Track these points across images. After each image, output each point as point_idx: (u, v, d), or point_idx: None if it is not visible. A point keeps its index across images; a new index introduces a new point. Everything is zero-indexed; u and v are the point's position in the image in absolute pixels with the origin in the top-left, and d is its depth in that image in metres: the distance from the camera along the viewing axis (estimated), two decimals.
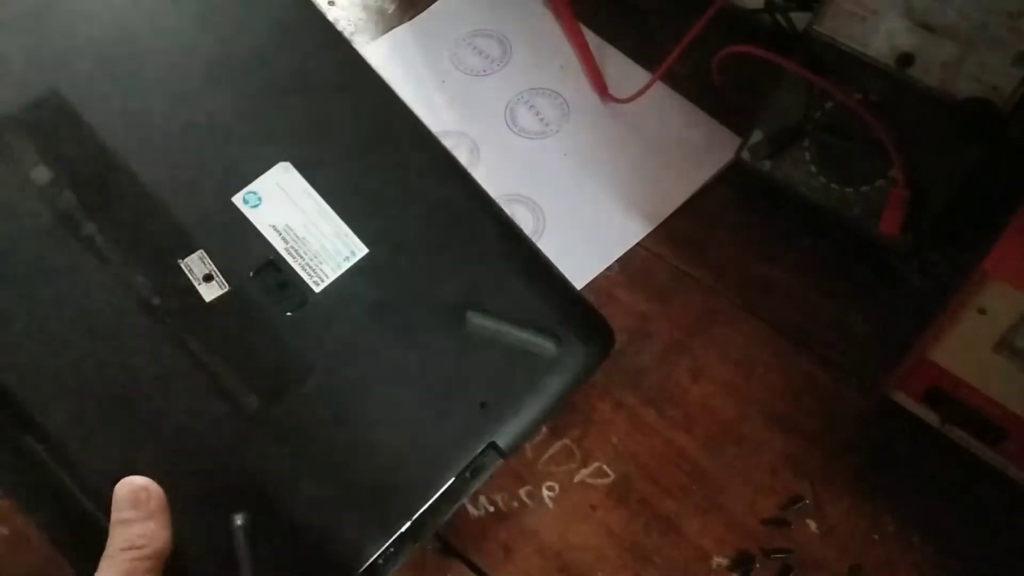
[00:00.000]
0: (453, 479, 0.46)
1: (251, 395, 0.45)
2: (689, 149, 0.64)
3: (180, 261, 0.44)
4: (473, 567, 0.50)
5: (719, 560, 0.49)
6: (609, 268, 0.59)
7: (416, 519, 0.45)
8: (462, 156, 0.65)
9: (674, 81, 0.66)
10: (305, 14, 0.51)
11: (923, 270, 0.55)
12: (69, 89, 0.46)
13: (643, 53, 0.68)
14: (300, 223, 0.47)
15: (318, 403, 0.45)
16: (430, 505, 0.46)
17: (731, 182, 0.62)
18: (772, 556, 0.49)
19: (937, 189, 0.52)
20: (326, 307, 0.46)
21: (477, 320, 0.48)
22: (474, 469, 0.47)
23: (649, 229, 0.61)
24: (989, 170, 0.52)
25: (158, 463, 0.42)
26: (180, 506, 0.42)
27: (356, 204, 0.48)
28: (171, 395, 0.43)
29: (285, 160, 0.47)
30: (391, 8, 0.74)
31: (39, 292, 0.43)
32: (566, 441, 0.53)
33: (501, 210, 0.52)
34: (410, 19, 0.73)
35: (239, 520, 0.43)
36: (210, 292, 0.44)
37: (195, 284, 0.44)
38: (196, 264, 0.44)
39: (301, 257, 0.46)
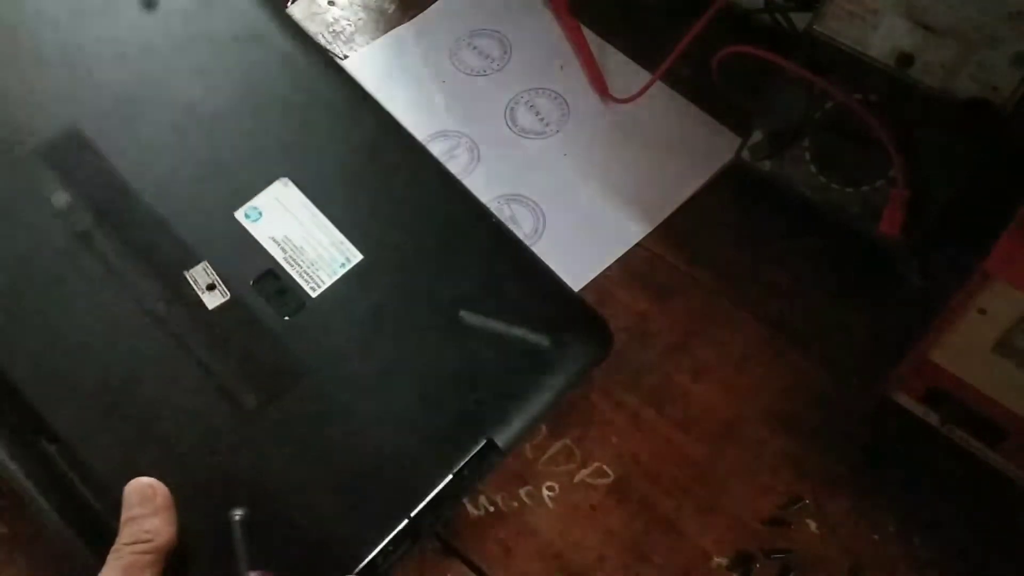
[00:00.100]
0: (450, 477, 0.47)
1: (250, 395, 0.46)
2: (689, 149, 0.64)
3: (185, 272, 0.48)
4: (473, 567, 0.50)
5: (719, 560, 0.49)
6: (609, 268, 0.59)
7: (414, 517, 0.46)
8: (462, 156, 0.65)
9: (674, 81, 0.66)
10: (300, 43, 0.55)
11: (923, 270, 0.55)
12: (88, 125, 0.51)
13: (643, 53, 0.68)
14: (298, 233, 0.50)
15: (315, 403, 0.47)
16: (428, 503, 0.46)
17: (731, 182, 0.62)
18: (772, 556, 0.49)
19: (937, 189, 0.52)
20: (322, 311, 0.48)
21: (470, 319, 0.49)
22: (472, 467, 0.47)
23: (649, 229, 0.61)
24: (989, 170, 0.52)
25: (161, 461, 0.44)
26: (182, 502, 0.43)
27: (351, 214, 0.51)
28: (174, 396, 0.46)
29: (284, 176, 0.51)
30: (391, 8, 0.74)
31: (55, 303, 0.47)
32: (566, 441, 0.53)
33: (492, 214, 0.54)
34: (410, 19, 0.73)
35: (237, 515, 0.44)
36: (212, 300, 0.47)
37: (199, 293, 0.47)
38: (200, 275, 0.48)
39: (299, 265, 0.49)
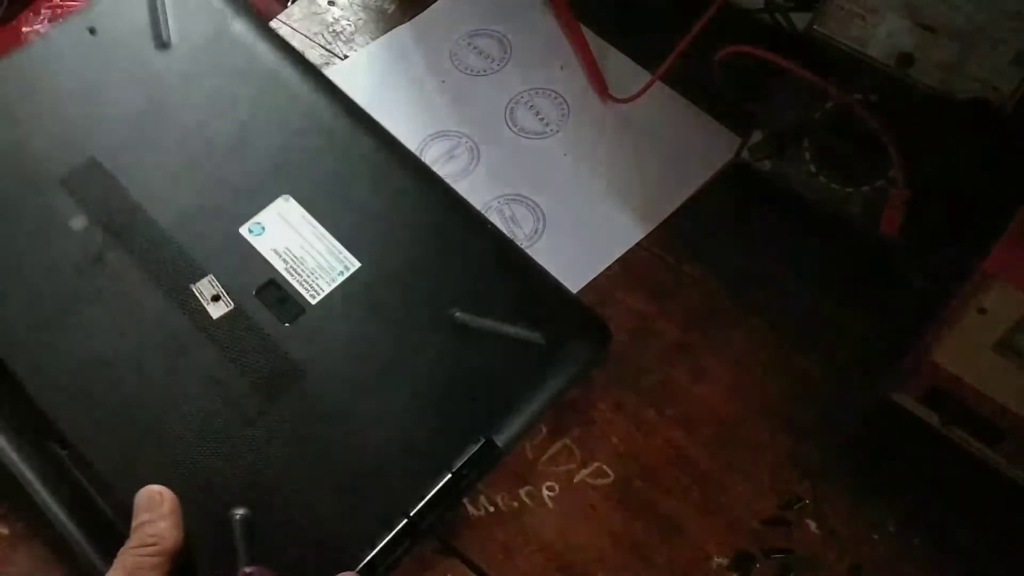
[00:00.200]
0: (449, 477, 0.47)
1: (251, 398, 0.49)
2: (689, 149, 0.64)
3: (191, 286, 0.51)
4: (473, 567, 0.50)
5: (719, 560, 0.49)
6: (609, 268, 0.59)
7: (413, 517, 0.46)
8: (462, 156, 0.65)
9: (674, 81, 0.66)
10: (301, 71, 0.59)
11: (923, 270, 0.55)
12: (105, 155, 0.55)
13: (643, 53, 0.68)
14: (298, 245, 0.53)
15: (313, 404, 0.49)
16: (427, 503, 0.46)
17: (731, 182, 0.62)
18: (772, 556, 0.49)
19: (937, 189, 0.52)
20: (321, 317, 0.51)
21: (466, 320, 0.51)
22: (471, 466, 0.48)
23: (649, 229, 0.61)
24: (989, 170, 0.52)
25: (166, 463, 0.47)
26: (186, 503, 0.45)
27: (349, 224, 0.54)
28: (179, 402, 0.48)
29: (286, 193, 0.54)
30: (391, 8, 0.74)
31: (70, 318, 0.50)
32: (566, 441, 0.53)
33: (488, 220, 0.57)
34: (410, 19, 0.73)
35: (238, 515, 0.45)
36: (217, 311, 0.50)
37: (204, 304, 0.51)
38: (205, 287, 0.51)
39: (299, 274, 0.52)
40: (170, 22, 0.59)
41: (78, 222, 0.53)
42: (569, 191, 0.63)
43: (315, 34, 0.73)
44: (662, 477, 0.52)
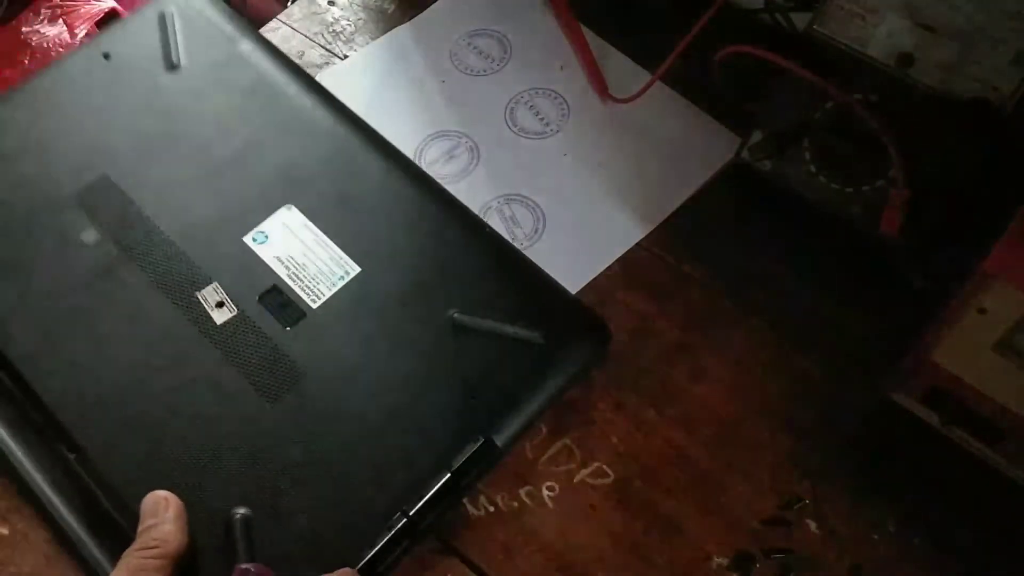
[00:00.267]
0: (449, 476, 0.47)
1: (253, 399, 0.50)
2: (689, 149, 0.64)
3: (197, 293, 0.53)
4: (473, 567, 0.50)
5: (719, 560, 0.49)
6: (609, 268, 0.59)
7: (413, 516, 0.47)
8: (462, 156, 0.65)
9: (674, 81, 0.66)
10: (304, 87, 0.61)
11: (923, 270, 0.55)
12: (116, 171, 0.58)
13: (643, 53, 0.68)
14: (300, 252, 0.55)
15: (313, 405, 0.50)
16: (427, 502, 0.47)
17: (731, 182, 0.62)
18: (772, 556, 0.49)
19: (937, 189, 0.52)
20: (322, 320, 0.53)
21: (465, 321, 0.52)
22: (470, 466, 0.48)
23: (649, 229, 0.61)
24: (989, 170, 0.52)
25: (169, 464, 0.48)
26: (186, 501, 0.46)
27: (349, 231, 0.56)
28: (183, 405, 0.50)
29: (289, 203, 0.56)
30: (391, 8, 0.74)
31: (82, 326, 0.52)
32: (566, 441, 0.53)
33: (485, 223, 0.58)
34: (410, 19, 0.73)
35: (238, 513, 0.46)
36: (221, 316, 0.52)
37: (208, 311, 0.52)
38: (210, 294, 0.53)
39: (301, 280, 0.54)
40: (180, 45, 0.62)
41: (90, 235, 0.55)
42: (569, 191, 0.63)
43: (315, 34, 0.73)
44: (662, 477, 0.52)
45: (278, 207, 0.56)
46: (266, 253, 0.55)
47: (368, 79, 0.70)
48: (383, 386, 0.50)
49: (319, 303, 0.53)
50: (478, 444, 0.48)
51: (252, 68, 0.62)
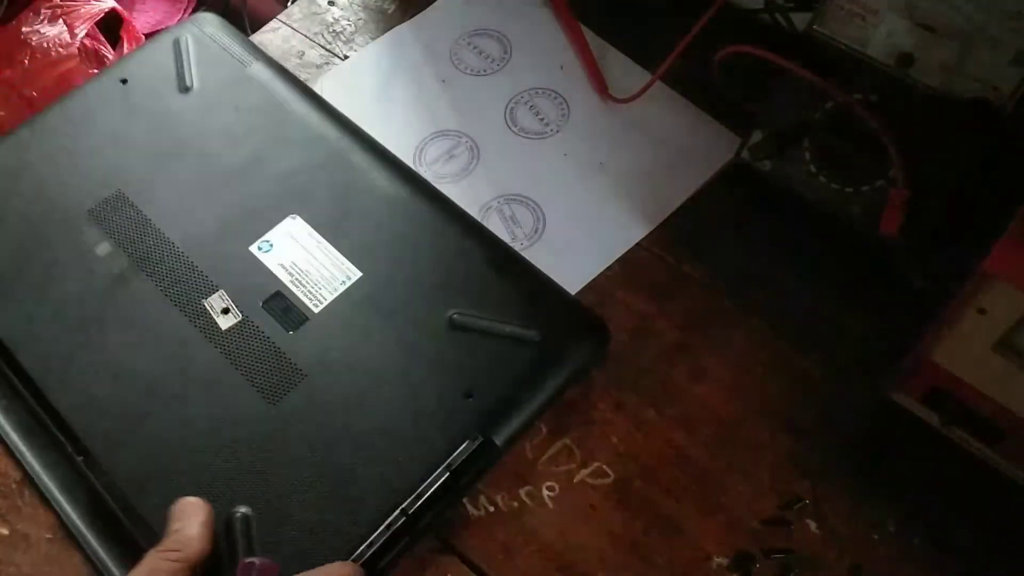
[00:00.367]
0: (448, 474, 0.48)
1: (256, 401, 0.51)
2: (689, 149, 0.64)
3: (204, 300, 0.55)
4: (473, 567, 0.50)
5: (719, 560, 0.49)
6: (609, 268, 0.59)
7: (412, 513, 0.47)
8: (462, 156, 0.65)
9: (674, 81, 0.66)
10: (310, 103, 0.64)
11: (923, 270, 0.55)
12: (129, 187, 0.60)
13: (643, 53, 0.68)
14: (303, 259, 0.57)
15: (314, 406, 0.51)
16: (426, 500, 0.47)
17: (731, 182, 0.62)
18: (772, 556, 0.49)
19: (937, 189, 0.52)
20: (323, 324, 0.54)
21: (464, 322, 0.53)
22: (469, 464, 0.49)
23: (649, 229, 0.61)
24: (989, 170, 0.52)
25: (173, 463, 0.50)
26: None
27: (350, 238, 0.57)
28: (188, 408, 0.51)
29: (294, 213, 0.58)
30: (391, 8, 0.74)
31: (94, 335, 0.54)
32: (566, 441, 0.53)
33: (483, 225, 0.59)
34: (410, 19, 0.73)
35: (239, 512, 0.47)
36: (226, 322, 0.54)
37: (214, 317, 0.54)
38: (216, 301, 0.55)
39: (304, 285, 0.55)
40: (192, 68, 0.66)
41: (103, 248, 0.58)
42: (569, 191, 0.63)
43: (315, 34, 0.73)
44: (662, 477, 0.52)
45: (283, 217, 0.58)
46: (271, 261, 0.56)
47: (368, 79, 0.70)
48: (383, 386, 0.51)
49: (321, 307, 0.54)
50: (477, 443, 0.49)
51: (260, 87, 0.64)
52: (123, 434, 0.51)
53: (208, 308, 0.54)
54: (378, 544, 0.46)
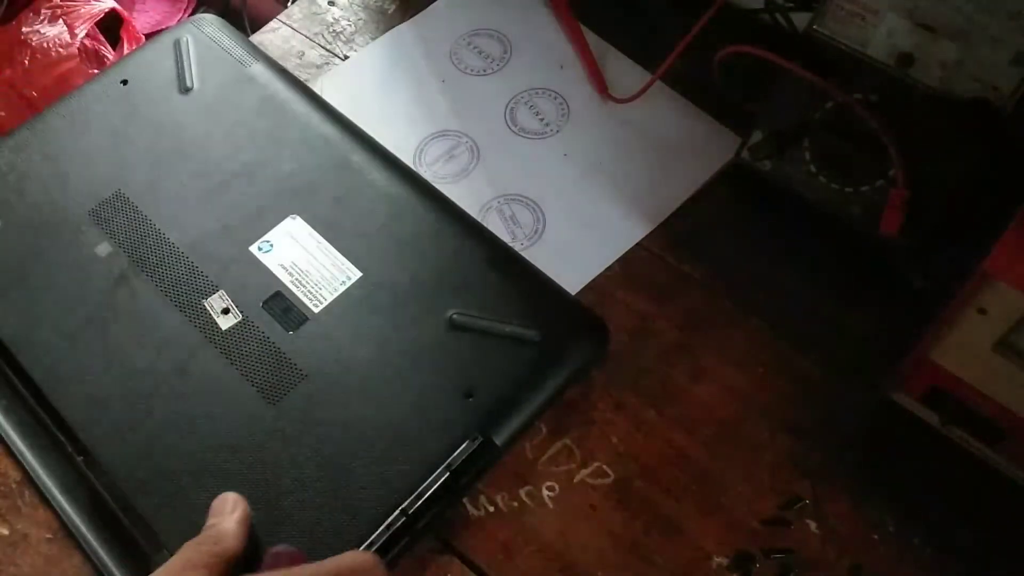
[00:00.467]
0: (448, 474, 0.48)
1: (256, 401, 0.51)
2: (689, 149, 0.64)
3: (204, 301, 0.55)
4: (473, 567, 0.50)
5: (719, 560, 0.49)
6: (609, 268, 0.59)
7: (411, 513, 0.47)
8: (462, 156, 0.65)
9: (674, 81, 0.66)
10: (310, 104, 0.64)
11: (923, 270, 0.55)
12: (130, 188, 0.60)
13: (643, 53, 0.68)
14: (304, 259, 0.56)
15: (314, 405, 0.51)
16: (426, 500, 0.47)
17: (731, 182, 0.62)
18: (772, 556, 0.49)
19: (937, 189, 0.52)
20: (323, 324, 0.54)
21: (462, 320, 0.53)
22: (469, 464, 0.49)
23: (649, 229, 0.61)
24: (989, 170, 0.52)
25: (174, 463, 0.50)
26: (190, 498, 0.48)
27: (350, 238, 0.57)
28: (189, 408, 0.51)
29: (294, 213, 0.58)
30: (391, 8, 0.74)
31: (95, 335, 0.54)
32: (566, 441, 0.53)
33: (482, 225, 0.59)
34: (410, 19, 0.73)
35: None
36: (226, 322, 0.54)
37: (214, 317, 0.54)
38: (216, 302, 0.55)
39: (304, 286, 0.55)
40: (193, 69, 0.66)
41: (104, 248, 0.57)
42: (569, 191, 0.63)
43: (315, 34, 0.73)
44: (662, 477, 0.52)
45: (283, 217, 0.58)
46: (271, 261, 0.56)
47: (368, 79, 0.70)
48: (383, 386, 0.51)
49: (321, 307, 0.54)
50: (477, 443, 0.49)
51: (260, 88, 0.64)
52: (123, 434, 0.51)
53: (208, 308, 0.54)
54: (378, 544, 0.46)
